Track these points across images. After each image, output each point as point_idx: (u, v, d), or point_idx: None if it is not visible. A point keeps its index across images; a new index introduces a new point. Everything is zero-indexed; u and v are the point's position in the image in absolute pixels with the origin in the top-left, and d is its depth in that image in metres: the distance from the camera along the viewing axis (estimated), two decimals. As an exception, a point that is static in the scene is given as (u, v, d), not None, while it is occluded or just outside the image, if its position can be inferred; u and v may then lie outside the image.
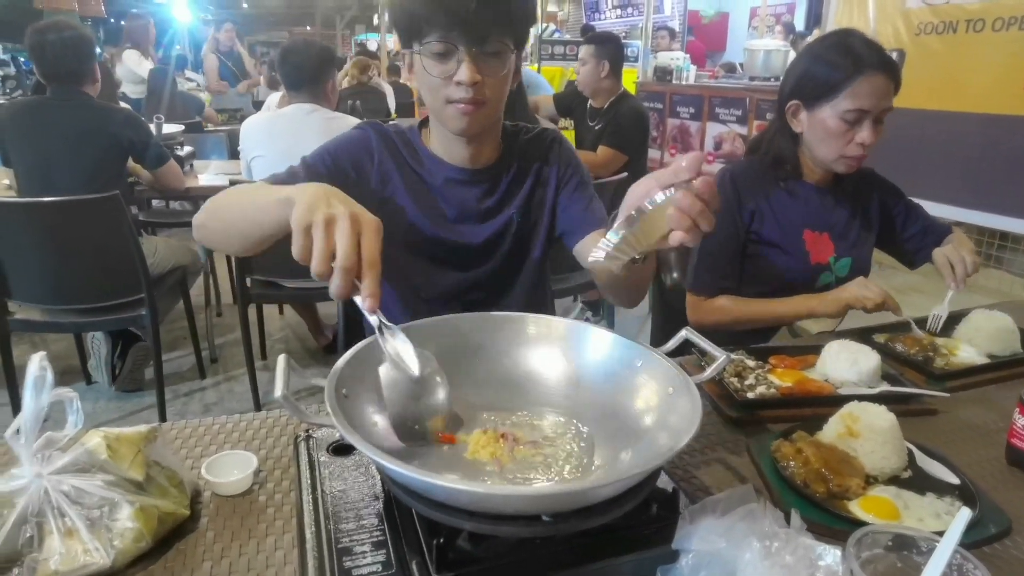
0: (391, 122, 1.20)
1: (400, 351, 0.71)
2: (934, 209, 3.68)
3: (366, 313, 0.69)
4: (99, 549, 0.66)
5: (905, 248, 1.58)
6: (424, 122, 1.19)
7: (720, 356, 0.73)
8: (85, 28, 2.67)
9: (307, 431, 0.80)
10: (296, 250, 0.69)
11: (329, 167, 1.12)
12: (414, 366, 0.71)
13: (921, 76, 3.64)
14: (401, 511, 0.63)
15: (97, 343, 2.69)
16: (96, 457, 0.70)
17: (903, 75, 4.01)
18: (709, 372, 0.72)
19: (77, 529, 0.67)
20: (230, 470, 0.83)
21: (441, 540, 0.58)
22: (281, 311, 3.64)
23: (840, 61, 1.33)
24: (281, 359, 0.65)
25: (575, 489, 0.55)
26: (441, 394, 0.73)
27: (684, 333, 0.79)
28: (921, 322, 1.36)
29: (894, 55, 3.80)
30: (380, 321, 0.70)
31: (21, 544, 0.66)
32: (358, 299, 0.68)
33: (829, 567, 0.59)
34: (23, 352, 2.82)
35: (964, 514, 0.60)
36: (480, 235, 1.18)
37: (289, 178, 1.08)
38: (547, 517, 0.57)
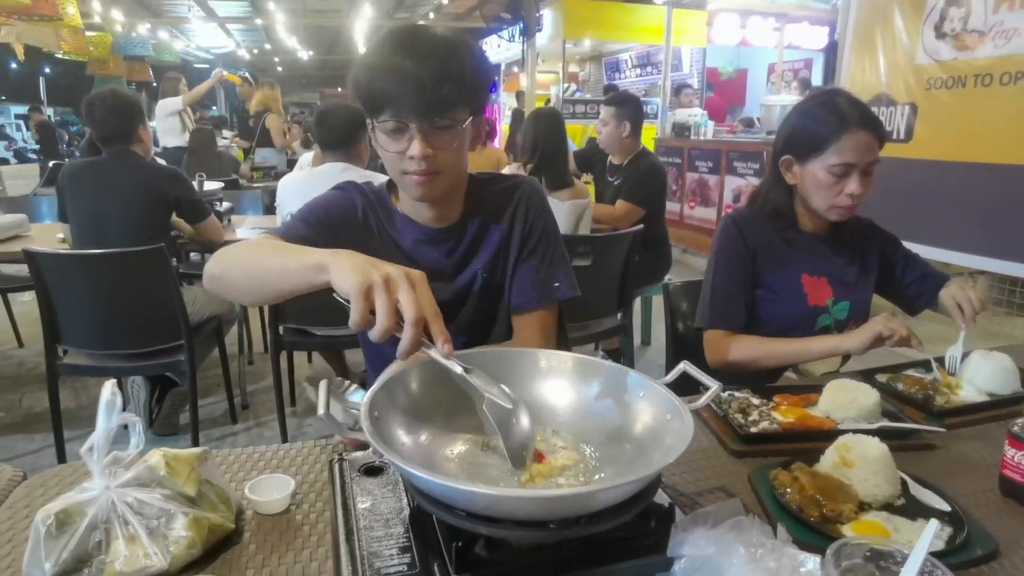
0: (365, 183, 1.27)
1: (487, 388, 0.78)
2: (955, 258, 3.75)
3: (441, 360, 0.74)
4: (157, 554, 0.75)
5: (906, 294, 1.64)
6: (392, 182, 1.23)
7: (713, 386, 0.80)
8: (133, 93, 2.89)
9: (340, 455, 0.88)
10: (357, 315, 0.72)
11: (318, 217, 1.18)
12: (505, 399, 0.78)
13: (935, 129, 3.72)
14: (424, 520, 0.71)
15: (137, 388, 2.82)
16: (156, 472, 0.80)
17: (916, 128, 4.07)
18: (703, 400, 0.80)
19: (139, 535, 0.75)
20: (270, 491, 0.91)
21: (459, 544, 0.65)
22: (310, 359, 3.75)
23: (827, 118, 1.44)
24: (323, 383, 0.75)
25: (580, 492, 0.63)
26: (527, 418, 0.79)
27: (682, 366, 0.87)
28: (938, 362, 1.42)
29: (906, 109, 3.92)
30: (463, 367, 0.77)
31: (91, 547, 0.74)
32: (431, 351, 0.74)
33: (810, 572, 0.65)
34: (65, 396, 2.96)
35: (932, 525, 0.67)
36: (448, 292, 1.22)
37: (287, 231, 1.14)
38: (554, 524, 0.65)
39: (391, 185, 1.25)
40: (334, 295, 0.78)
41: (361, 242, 1.17)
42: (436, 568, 0.65)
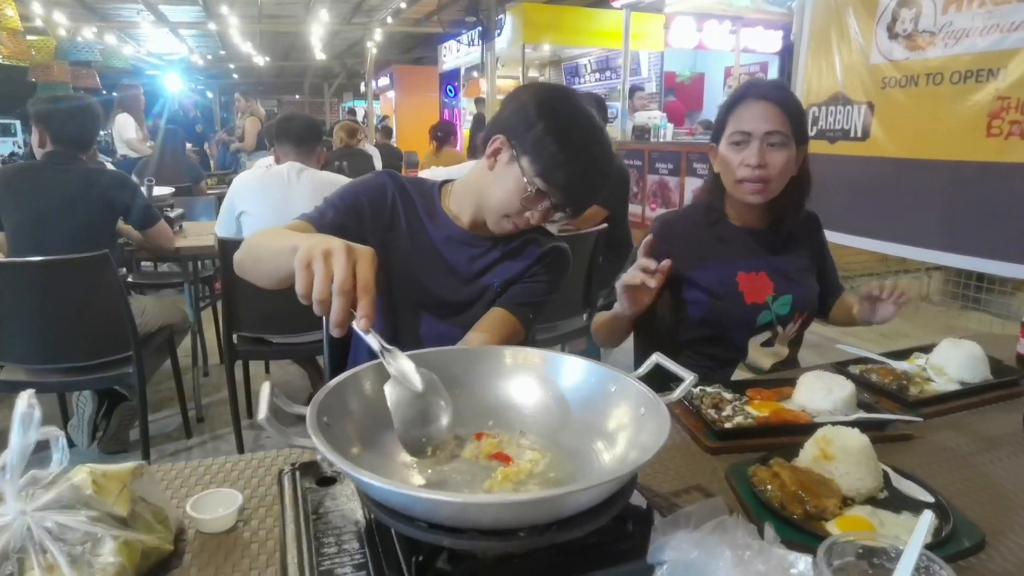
0: (417, 176, 1.33)
1: (403, 369, 0.76)
2: (911, 253, 3.81)
3: (361, 333, 0.73)
4: (80, 584, 0.66)
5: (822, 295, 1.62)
6: (445, 183, 1.33)
7: (688, 377, 0.75)
8: (94, 100, 2.76)
9: (291, 465, 0.81)
10: (298, 286, 0.75)
11: (348, 202, 1.23)
12: (417, 382, 0.75)
13: (890, 127, 3.79)
14: (382, 533, 0.65)
15: (83, 402, 2.67)
16: (81, 492, 0.71)
17: (872, 126, 4.13)
18: (678, 392, 0.75)
19: (58, 564, 0.67)
20: (215, 507, 0.83)
21: (420, 558, 0.59)
22: (267, 370, 3.63)
23: (733, 96, 1.45)
24: (265, 385, 0.68)
25: (551, 496, 0.56)
26: (447, 409, 0.76)
27: (655, 358, 0.82)
28: (896, 355, 1.40)
29: (863, 108, 3.98)
30: (380, 344, 0.75)
31: (2, 580, 0.66)
32: (354, 323, 0.73)
33: (801, 574, 0.60)
34: (3, 416, 2.79)
35: (926, 516, 0.63)
36: (462, 292, 1.29)
37: (317, 215, 1.21)
38: (523, 532, 0.59)
39: (442, 186, 1.33)
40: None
41: (387, 228, 1.26)
42: (395, 586, 0.59)
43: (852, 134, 3.98)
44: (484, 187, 1.22)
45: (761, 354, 1.49)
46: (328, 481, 0.76)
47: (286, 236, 0.99)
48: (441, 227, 1.28)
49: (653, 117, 6.64)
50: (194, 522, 0.82)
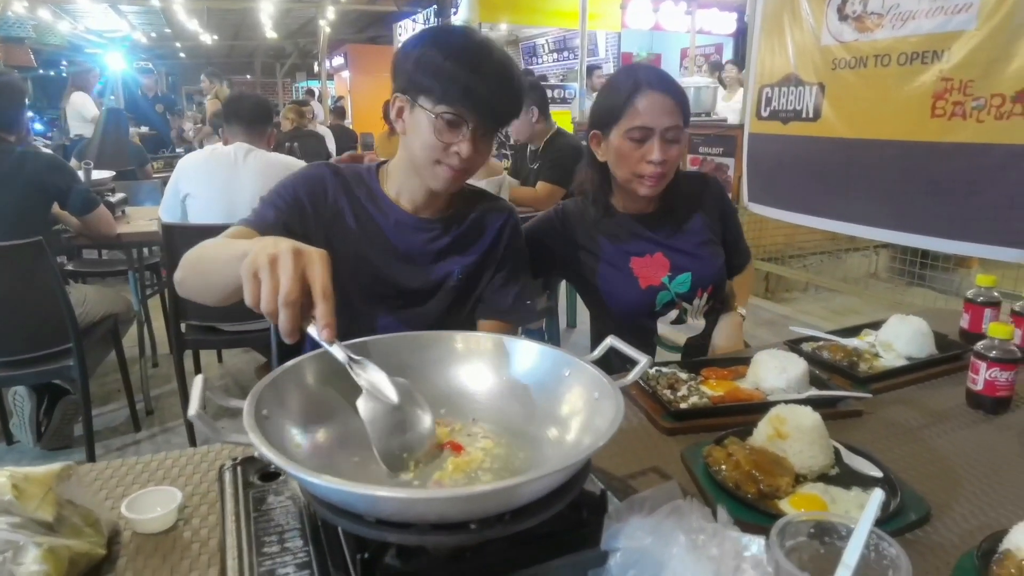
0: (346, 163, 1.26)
1: (374, 380, 0.71)
2: (861, 231, 3.90)
3: (325, 345, 0.69)
4: (1, 595, 0.62)
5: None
6: (381, 165, 1.25)
7: (642, 360, 0.74)
8: (16, 77, 2.61)
9: (233, 460, 0.77)
10: (247, 298, 0.71)
11: (287, 200, 1.16)
12: (392, 393, 0.71)
13: (841, 107, 3.85)
14: (327, 531, 0.62)
15: (20, 399, 2.55)
16: (0, 498, 0.66)
17: (823, 107, 4.19)
18: (632, 375, 0.73)
19: (-23, 575, 0.62)
20: (153, 507, 0.79)
21: (366, 555, 0.56)
22: (220, 358, 3.53)
23: (623, 84, 1.40)
24: (198, 379, 0.64)
25: (499, 488, 0.54)
26: (426, 418, 0.72)
27: (609, 341, 0.80)
28: (846, 332, 1.43)
29: (815, 89, 4.04)
30: (347, 355, 0.70)
31: (-87, 595, 0.61)
32: (313, 332, 0.69)
33: (755, 556, 0.60)
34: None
35: (877, 495, 0.63)
36: (419, 279, 1.24)
37: (259, 215, 1.14)
38: (474, 525, 0.57)
39: (379, 167, 1.26)
40: None
41: (332, 222, 1.19)
42: (340, 585, 0.56)
43: (804, 115, 4.04)
44: (408, 152, 1.16)
45: (672, 331, 1.49)
46: (271, 476, 0.73)
47: (230, 245, 0.91)
48: (387, 212, 1.22)
49: (610, 98, 6.63)
50: (130, 523, 0.78)
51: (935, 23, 3.34)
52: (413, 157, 1.15)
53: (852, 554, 0.59)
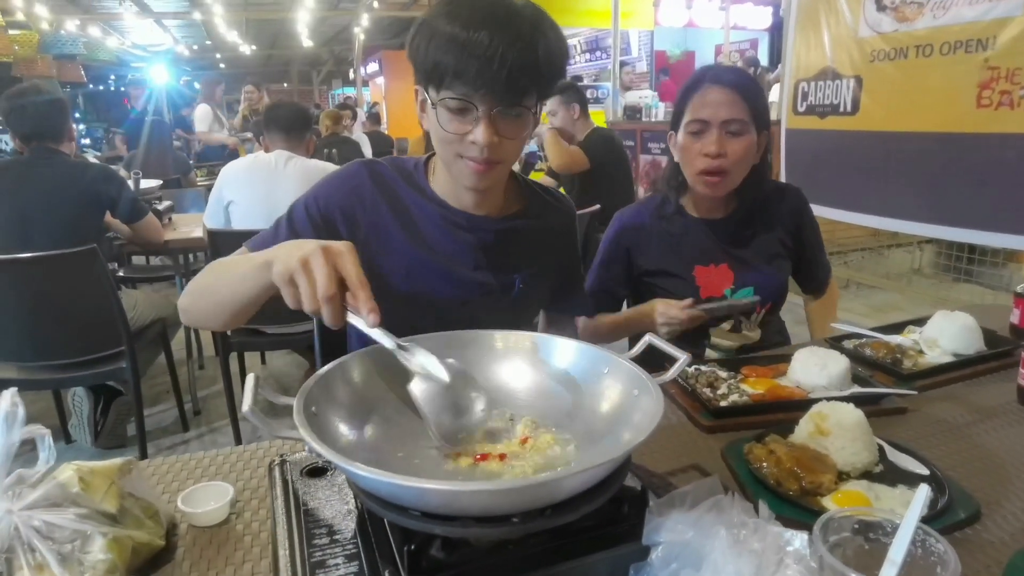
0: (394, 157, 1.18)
1: (424, 363, 0.73)
2: (903, 227, 3.81)
3: (369, 331, 0.71)
4: (71, 581, 0.66)
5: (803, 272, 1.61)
6: (430, 158, 1.14)
7: (681, 357, 0.75)
8: (59, 90, 2.74)
9: (281, 456, 0.80)
10: (288, 301, 0.73)
11: (314, 218, 1.07)
12: (442, 373, 0.73)
13: (880, 100, 3.76)
14: (374, 523, 0.64)
15: (79, 400, 2.66)
16: (68, 490, 0.70)
17: (862, 100, 4.10)
18: (671, 372, 0.74)
19: (47, 563, 0.66)
20: (207, 501, 0.83)
21: (412, 547, 0.58)
22: (264, 360, 3.61)
23: (689, 83, 1.41)
24: (250, 377, 0.67)
25: (542, 481, 0.56)
26: (480, 397, 0.74)
27: (648, 339, 0.81)
28: (889, 329, 1.40)
29: (852, 82, 3.96)
30: (394, 341, 0.72)
31: (-9, 580, 0.65)
32: (359, 323, 0.71)
33: (798, 551, 0.60)
34: None
35: (923, 490, 0.62)
36: (471, 282, 1.12)
37: (272, 233, 1.07)
38: (516, 518, 0.58)
39: (427, 161, 1.15)
40: None
41: (371, 227, 1.09)
42: (388, 575, 0.58)
43: (841, 108, 3.96)
44: (436, 150, 1.06)
45: (726, 337, 1.46)
46: (319, 472, 0.76)
47: (243, 260, 0.87)
48: (433, 209, 1.10)
49: (644, 96, 6.60)
50: (186, 516, 0.81)
51: (979, 10, 3.24)
52: (441, 159, 1.05)
53: (898, 550, 0.59)
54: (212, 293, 0.95)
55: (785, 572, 0.56)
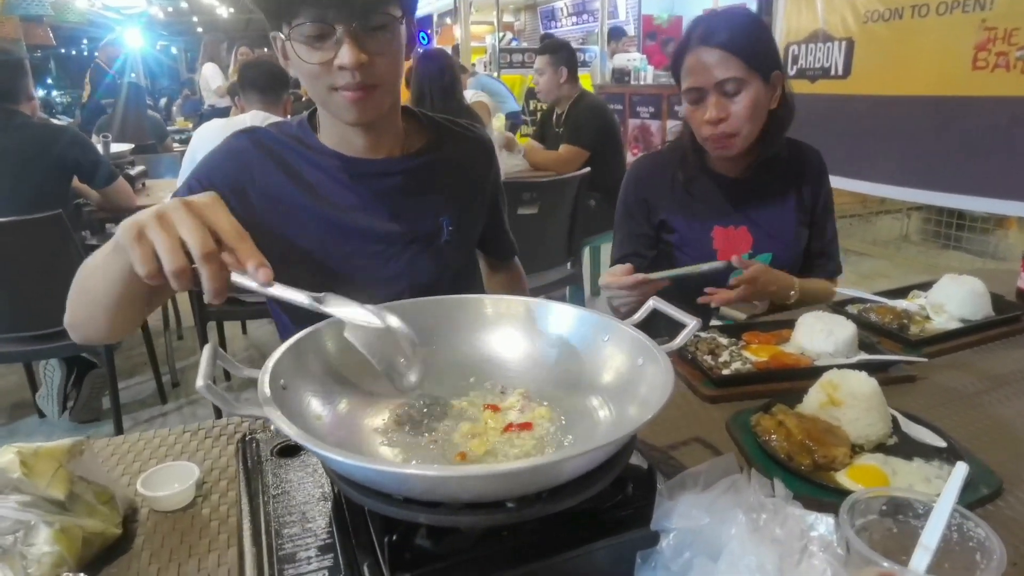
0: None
1: (351, 313, 0.65)
2: (893, 192, 3.76)
3: (265, 291, 0.61)
4: (12, 578, 0.59)
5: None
6: (313, 113, 1.05)
7: (690, 323, 0.68)
8: (16, 48, 2.60)
9: (250, 434, 0.73)
10: (138, 266, 0.61)
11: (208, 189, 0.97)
12: (375, 319, 0.65)
13: (872, 63, 3.68)
14: (352, 510, 0.57)
15: (50, 371, 2.57)
16: (8, 476, 0.63)
17: (853, 63, 4.00)
18: (680, 339, 0.67)
19: (-14, 557, 0.59)
20: (170, 483, 0.76)
21: (395, 537, 0.52)
22: (244, 330, 3.53)
23: (679, 45, 1.32)
24: (206, 348, 0.59)
25: (538, 464, 0.49)
26: (409, 332, 0.67)
27: (651, 303, 0.74)
28: (893, 294, 1.35)
29: (843, 44, 3.87)
30: (307, 295, 0.63)
31: (-81, 578, 0.58)
32: (246, 280, 0.61)
33: (823, 537, 0.54)
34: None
35: (960, 469, 0.57)
36: (393, 236, 1.04)
37: None
38: (511, 503, 0.52)
39: (312, 117, 1.05)
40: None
41: (266, 200, 0.99)
42: (367, 569, 0.52)
43: (832, 72, 3.88)
44: (307, 89, 0.95)
45: (736, 307, 1.40)
46: (292, 451, 0.69)
47: (99, 251, 0.77)
48: (327, 163, 1.01)
49: (632, 59, 6.45)
50: (147, 500, 0.74)
51: (979, -32, 3.16)
52: (316, 99, 0.95)
53: (932, 535, 0.53)
54: (83, 298, 0.82)
55: (811, 561, 0.50)
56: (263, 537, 0.56)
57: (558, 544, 0.55)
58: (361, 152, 1.02)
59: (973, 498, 0.74)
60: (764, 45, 1.30)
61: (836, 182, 4.13)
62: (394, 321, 0.66)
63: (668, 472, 0.69)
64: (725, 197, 1.41)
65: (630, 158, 6.04)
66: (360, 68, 0.86)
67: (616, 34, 7.60)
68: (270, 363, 0.59)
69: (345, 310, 0.64)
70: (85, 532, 0.64)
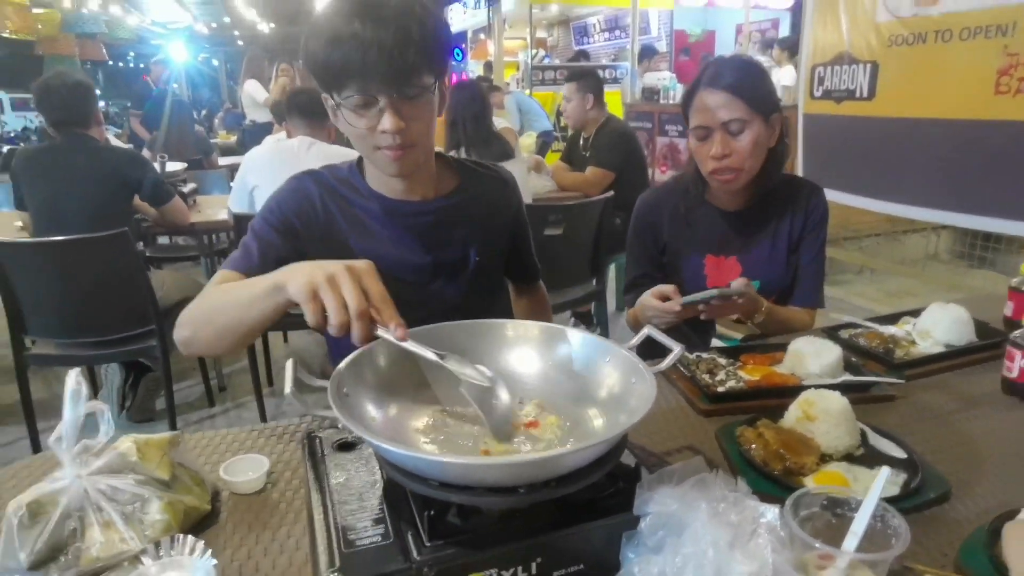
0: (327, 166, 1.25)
1: (465, 371, 0.80)
2: (919, 213, 3.82)
3: (401, 345, 0.76)
4: (133, 538, 0.75)
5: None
6: (362, 159, 1.20)
7: (675, 348, 0.82)
8: (85, 76, 2.82)
9: (313, 432, 0.89)
10: (310, 318, 0.77)
11: (275, 225, 1.14)
12: (482, 378, 0.79)
13: (896, 86, 3.75)
14: (397, 492, 0.72)
15: (111, 375, 2.79)
16: (127, 459, 0.80)
17: (878, 85, 4.06)
18: (665, 363, 0.81)
19: (114, 521, 0.76)
20: (245, 472, 0.92)
21: (432, 513, 0.67)
22: (285, 339, 3.73)
23: (691, 84, 1.45)
24: (289, 362, 0.75)
25: (548, 457, 0.64)
26: (506, 392, 0.81)
27: (646, 331, 0.88)
28: (885, 320, 1.46)
29: (868, 67, 3.94)
30: (434, 353, 0.78)
31: (66, 535, 0.75)
32: (387, 335, 0.77)
33: (770, 523, 0.67)
34: (36, 388, 2.91)
35: (883, 472, 0.70)
36: (425, 262, 1.19)
37: (243, 253, 1.12)
38: (523, 489, 0.66)
39: (360, 162, 1.22)
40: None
41: (326, 234, 1.17)
42: (410, 537, 0.67)
43: (858, 94, 3.95)
44: (354, 145, 1.12)
45: (732, 328, 1.51)
46: (349, 446, 0.84)
47: (243, 287, 0.93)
48: (372, 203, 1.18)
49: (662, 78, 6.59)
50: (227, 484, 0.91)
51: (1000, -4, 3.22)
52: (363, 155, 1.12)
53: (860, 523, 0.67)
54: (214, 322, 0.99)
55: (757, 541, 0.64)
56: (330, 511, 0.71)
57: (560, 523, 0.69)
58: (400, 195, 1.19)
59: (921, 500, 0.86)
60: (765, 90, 1.43)
61: (861, 202, 4.21)
62: (495, 379, 0.81)
63: (652, 469, 0.83)
64: (721, 228, 1.53)
65: (659, 175, 6.16)
66: (399, 132, 1.02)
67: (647, 52, 7.73)
68: (335, 376, 0.75)
69: (461, 368, 0.79)
70: (185, 506, 0.81)
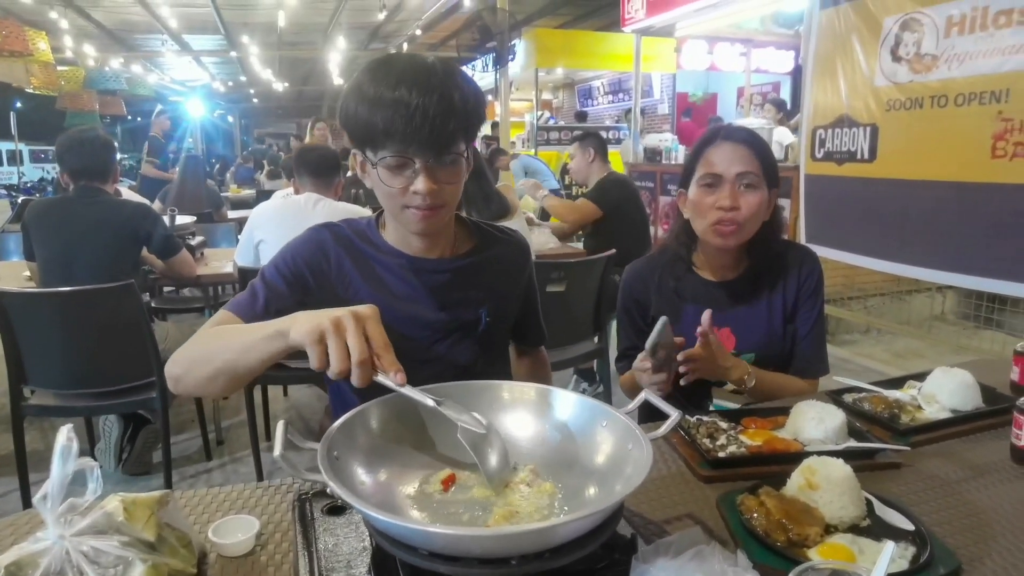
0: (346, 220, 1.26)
1: (462, 417, 0.81)
2: (923, 274, 3.82)
3: (399, 390, 0.78)
4: (114, 604, 0.73)
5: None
6: (380, 215, 1.23)
7: (673, 414, 0.81)
8: (106, 133, 2.90)
9: (304, 495, 0.87)
10: (314, 362, 0.79)
11: (286, 275, 1.14)
12: (477, 425, 0.81)
13: (896, 148, 3.82)
14: (387, 561, 0.70)
15: (109, 426, 2.76)
16: (114, 519, 0.78)
17: (879, 148, 4.14)
18: (662, 430, 0.80)
19: (95, 586, 0.73)
20: (234, 533, 0.90)
21: (421, 583, 0.65)
22: (285, 392, 3.70)
23: (701, 140, 1.47)
24: (280, 424, 0.74)
25: (541, 528, 0.63)
26: (501, 440, 0.82)
27: (643, 395, 0.87)
28: (890, 384, 1.44)
29: (868, 130, 4.01)
30: (432, 398, 0.80)
31: (44, 601, 0.72)
32: (386, 380, 0.78)
33: (771, 600, 0.65)
34: (33, 439, 2.89)
35: (888, 547, 0.68)
36: (439, 325, 1.20)
37: (249, 299, 1.11)
38: (515, 560, 0.65)
39: (379, 216, 1.23)
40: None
41: (337, 286, 1.17)
42: (398, 609, 0.65)
43: (859, 156, 4.02)
44: (382, 202, 1.14)
45: (728, 398, 1.47)
46: (339, 510, 0.83)
47: (248, 328, 0.96)
48: (389, 260, 1.19)
49: (664, 139, 6.71)
50: (215, 547, 0.88)
51: (993, 63, 3.31)
52: (389, 212, 1.14)
53: (864, 601, 0.64)
54: (208, 363, 0.98)
55: (758, 618, 0.62)
56: (316, 579, 0.69)
57: (553, 597, 0.67)
58: (418, 252, 1.19)
59: (931, 577, 0.83)
60: (774, 162, 1.46)
61: (863, 261, 4.22)
62: (490, 426, 0.82)
63: (649, 539, 0.81)
64: (708, 301, 1.47)
65: (661, 233, 6.22)
66: (431, 194, 1.05)
67: (644, 110, 7.89)
68: (326, 438, 0.74)
69: (458, 415, 0.81)
70: (170, 570, 0.79)
